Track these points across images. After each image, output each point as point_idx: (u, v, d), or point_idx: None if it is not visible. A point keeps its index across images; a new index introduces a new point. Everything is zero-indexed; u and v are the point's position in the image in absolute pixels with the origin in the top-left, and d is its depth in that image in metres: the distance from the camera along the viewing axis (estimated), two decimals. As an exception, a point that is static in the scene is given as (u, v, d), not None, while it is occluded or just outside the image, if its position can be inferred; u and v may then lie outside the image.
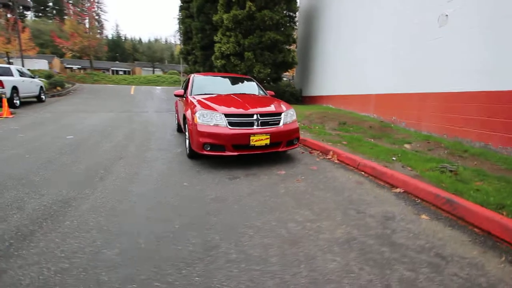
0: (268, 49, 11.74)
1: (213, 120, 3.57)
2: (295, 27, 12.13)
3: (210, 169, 3.56)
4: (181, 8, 18.08)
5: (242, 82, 5.33)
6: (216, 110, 3.63)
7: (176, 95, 4.87)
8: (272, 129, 3.67)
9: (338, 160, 4.09)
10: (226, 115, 3.57)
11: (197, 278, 1.56)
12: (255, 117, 3.62)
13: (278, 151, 3.82)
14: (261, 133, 3.56)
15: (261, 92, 5.12)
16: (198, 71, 17.53)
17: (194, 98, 4.29)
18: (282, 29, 11.55)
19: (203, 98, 4.24)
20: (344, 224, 2.19)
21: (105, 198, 2.65)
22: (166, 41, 58.60)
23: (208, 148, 3.54)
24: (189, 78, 5.52)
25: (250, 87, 5.21)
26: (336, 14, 9.94)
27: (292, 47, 12.75)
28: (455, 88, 4.57)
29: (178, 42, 50.54)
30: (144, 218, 2.24)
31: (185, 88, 5.50)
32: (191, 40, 17.74)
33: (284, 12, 11.42)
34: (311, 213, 2.37)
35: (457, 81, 4.54)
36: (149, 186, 2.97)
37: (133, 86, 30.11)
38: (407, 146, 4.73)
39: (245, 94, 4.79)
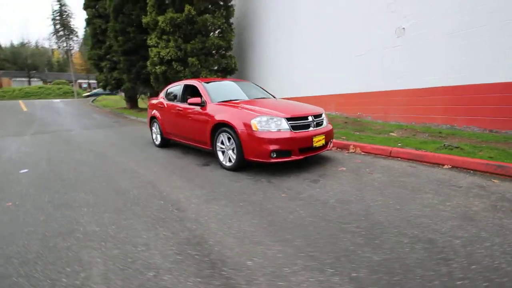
0: (212, 54, 11.51)
1: (275, 125, 3.41)
2: (233, 33, 12.29)
3: (280, 180, 3.40)
4: (86, 7, 15.24)
5: (248, 86, 5.15)
6: (276, 115, 3.48)
7: (191, 103, 4.28)
8: (324, 130, 3.80)
9: (363, 152, 4.59)
10: (288, 119, 3.48)
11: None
12: (310, 119, 3.67)
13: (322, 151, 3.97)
14: (319, 134, 3.65)
15: (270, 94, 5.11)
16: (120, 80, 15.29)
17: (228, 105, 3.95)
18: (224, 35, 11.54)
19: (237, 104, 3.97)
20: (458, 196, 2.57)
21: None
22: (37, 45, 47.75)
23: (274, 155, 3.37)
24: (188, 86, 5.01)
25: (260, 90, 5.11)
26: (283, 18, 10.68)
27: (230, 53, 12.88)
28: (417, 85, 5.84)
29: (55, 46, 42.19)
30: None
31: (183, 96, 4.95)
32: (104, 43, 15.25)
33: (224, 19, 11.43)
34: (433, 195, 2.66)
35: (418, 79, 5.80)
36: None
37: (20, 101, 23.98)
38: (392, 134, 5.70)
39: (265, 98, 4.70)
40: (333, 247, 1.86)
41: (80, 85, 40.73)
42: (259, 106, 3.87)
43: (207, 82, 4.73)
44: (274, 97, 5.05)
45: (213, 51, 11.49)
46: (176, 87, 5.32)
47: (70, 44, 40.87)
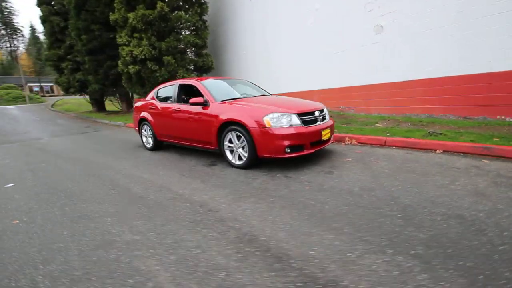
0: (188, 53, 11.21)
1: (286, 121, 3.49)
2: (207, 31, 12.06)
3: (300, 175, 3.50)
4: (40, 3, 13.77)
5: (244, 84, 5.15)
6: (287, 111, 3.55)
7: (193, 103, 4.18)
8: (329, 123, 3.97)
9: (359, 143, 4.87)
10: (298, 115, 3.57)
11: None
12: (317, 113, 3.81)
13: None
14: (326, 128, 3.80)
15: (265, 91, 5.16)
16: (84, 81, 14.18)
17: (233, 104, 3.94)
18: (199, 32, 11.28)
19: (243, 102, 3.99)
20: (462, 176, 2.88)
21: None
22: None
23: (288, 150, 3.45)
24: (184, 86, 4.93)
25: (255, 88, 5.14)
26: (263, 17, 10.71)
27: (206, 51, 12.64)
28: (395, 79, 6.30)
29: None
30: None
31: (179, 96, 4.84)
32: (64, 43, 14.00)
33: (198, 16, 11.16)
34: (441, 177, 2.94)
35: (396, 73, 6.27)
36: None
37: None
38: (378, 125, 6.10)
39: (264, 96, 4.75)
40: (380, 230, 2.00)
41: (31, 89, 36.87)
42: (264, 103, 3.92)
43: (205, 81, 4.64)
44: (270, 94, 5.12)
45: (189, 50, 11.21)
46: (169, 88, 5.13)
47: (14, 44, 36.88)
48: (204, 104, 4.20)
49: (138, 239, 2.10)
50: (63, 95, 37.94)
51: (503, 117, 4.78)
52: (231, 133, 3.84)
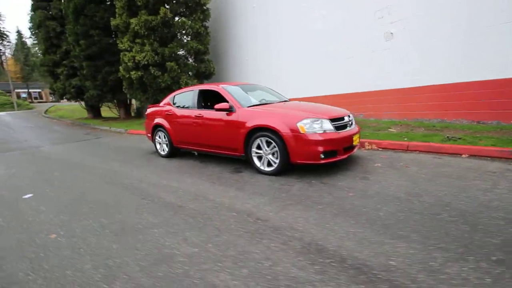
0: (192, 59, 11.13)
1: (319, 127, 3.45)
2: (209, 37, 12.03)
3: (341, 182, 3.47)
4: (35, 8, 13.41)
5: (262, 89, 5.10)
6: (320, 117, 3.53)
7: (219, 109, 4.10)
8: (357, 128, 3.97)
9: (379, 148, 4.89)
10: (331, 120, 3.55)
11: None
12: (346, 119, 3.80)
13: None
14: (356, 133, 3.80)
15: (284, 97, 5.14)
16: (81, 87, 13.82)
17: (262, 110, 3.92)
18: (201, 38, 11.23)
19: (270, 108, 3.97)
20: (501, 180, 2.91)
21: None
22: None
23: (323, 156, 3.41)
24: (204, 92, 4.89)
25: (274, 94, 5.10)
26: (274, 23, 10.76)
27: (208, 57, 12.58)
28: (407, 85, 6.41)
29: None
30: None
31: (199, 103, 4.76)
32: (60, 48, 13.65)
33: (201, 22, 11.13)
34: (480, 181, 2.95)
35: (407, 79, 6.38)
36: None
37: None
38: (391, 130, 6.16)
39: (286, 101, 4.72)
40: (450, 237, 1.97)
41: (18, 95, 35.68)
42: (293, 109, 3.89)
43: (227, 87, 4.58)
44: (288, 99, 5.10)
45: (191, 56, 11.13)
46: (187, 94, 5.04)
47: (0, 50, 35.84)
48: (230, 110, 4.13)
49: (198, 252, 2.00)
50: (52, 101, 36.93)
51: (517, 121, 4.93)
52: (260, 139, 3.78)
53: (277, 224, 2.36)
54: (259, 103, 4.32)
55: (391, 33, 6.49)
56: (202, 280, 1.68)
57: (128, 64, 10.11)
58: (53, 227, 2.56)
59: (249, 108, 4.06)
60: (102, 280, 1.75)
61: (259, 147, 3.85)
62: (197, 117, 4.63)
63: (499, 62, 5.09)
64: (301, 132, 3.42)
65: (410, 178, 3.26)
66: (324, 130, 3.47)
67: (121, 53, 10.46)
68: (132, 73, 10.15)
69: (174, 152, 5.37)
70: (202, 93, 4.85)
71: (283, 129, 3.51)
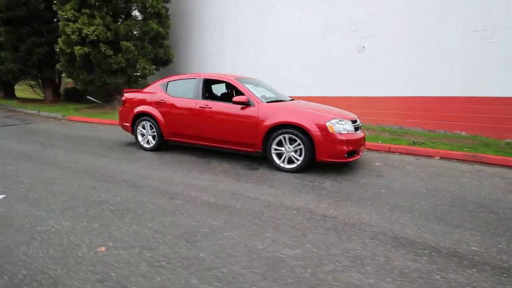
0: (149, 41, 9.99)
1: (342, 128, 3.64)
2: (169, 20, 11.01)
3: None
4: None
5: (263, 85, 4.99)
6: (344, 117, 3.71)
7: (237, 102, 3.86)
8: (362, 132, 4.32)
9: (365, 149, 5.41)
10: (352, 122, 3.77)
11: None
12: (358, 121, 4.10)
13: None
14: (364, 135, 4.13)
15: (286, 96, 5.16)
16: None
17: (284, 107, 3.96)
18: (161, 20, 10.19)
19: (295, 106, 4.06)
20: (480, 178, 3.67)
21: None
22: None
23: (346, 156, 3.61)
24: (211, 81, 4.65)
25: (277, 91, 5.05)
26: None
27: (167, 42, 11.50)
28: (372, 94, 7.27)
29: None
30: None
31: (204, 93, 4.39)
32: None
33: (163, 2, 10.08)
34: (468, 179, 3.64)
35: (372, 89, 7.25)
36: None
37: None
38: (361, 133, 6.90)
39: (293, 100, 4.73)
40: (493, 225, 2.39)
41: None
42: (314, 108, 4.00)
43: (242, 79, 4.35)
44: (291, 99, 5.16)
45: (149, 38, 10.00)
46: (188, 81, 4.56)
47: None
48: (247, 104, 3.94)
49: (303, 253, 1.90)
50: None
51: (459, 131, 6.22)
52: (283, 136, 3.75)
53: (347, 220, 2.43)
54: (275, 99, 4.27)
55: (363, 46, 7.27)
56: (339, 281, 1.63)
57: (72, 37, 8.43)
58: (94, 239, 2.00)
59: (269, 104, 3.98)
60: (226, 294, 1.50)
61: (278, 144, 3.83)
62: (202, 108, 4.25)
63: (457, 82, 6.27)
64: (330, 131, 3.55)
65: (415, 176, 3.77)
66: (348, 131, 3.69)
67: (61, 23, 8.65)
68: (77, 48, 8.51)
69: (162, 146, 4.80)
70: (207, 83, 4.48)
71: (312, 128, 3.58)
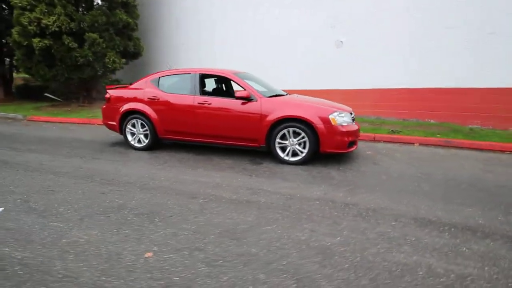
0: (117, 33, 9.29)
1: (342, 120, 3.83)
2: (137, 10, 10.31)
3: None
4: None
5: (256, 80, 4.97)
6: (343, 110, 3.90)
7: (239, 97, 3.83)
8: (356, 122, 4.58)
9: (351, 138, 5.74)
10: (350, 114, 3.97)
11: None
12: (353, 114, 4.32)
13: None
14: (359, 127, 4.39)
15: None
16: None
17: (286, 101, 4.04)
18: (129, 10, 9.52)
19: (297, 100, 4.17)
20: (459, 160, 4.13)
21: None
22: None
23: (347, 146, 3.81)
24: (206, 76, 4.56)
25: (271, 84, 5.06)
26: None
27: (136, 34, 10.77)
28: (350, 87, 7.66)
29: None
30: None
31: (201, 88, 4.28)
32: None
33: (130, -9, 9.40)
34: (450, 162, 4.10)
35: (350, 82, 7.64)
36: None
37: None
38: (343, 124, 7.27)
39: (289, 94, 4.80)
40: (486, 201, 2.75)
41: None
42: (314, 102, 4.14)
43: (240, 74, 4.30)
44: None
45: (120, 30, 9.31)
46: (182, 77, 4.39)
47: None
48: (249, 99, 3.94)
49: (344, 240, 2.02)
50: None
51: (429, 119, 6.87)
52: (287, 129, 3.83)
53: (367, 206, 2.61)
54: (275, 94, 4.31)
55: (341, 41, 7.59)
56: (389, 262, 1.77)
57: (29, 28, 7.51)
58: (136, 244, 1.90)
59: (271, 99, 4.02)
60: None
61: (282, 138, 3.90)
62: (201, 104, 4.14)
63: (429, 73, 6.83)
64: (333, 123, 3.72)
65: (404, 162, 4.13)
66: (348, 123, 3.90)
67: (16, 12, 7.64)
68: (35, 40, 7.61)
69: (155, 144, 4.60)
70: (203, 78, 4.36)
71: (316, 121, 3.71)
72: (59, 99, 10.94)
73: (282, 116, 3.81)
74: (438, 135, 5.65)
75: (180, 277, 1.58)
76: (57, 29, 7.71)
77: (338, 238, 2.05)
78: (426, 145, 5.22)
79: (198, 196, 2.79)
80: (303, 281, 1.57)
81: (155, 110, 4.40)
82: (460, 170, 3.76)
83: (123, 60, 9.30)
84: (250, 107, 3.96)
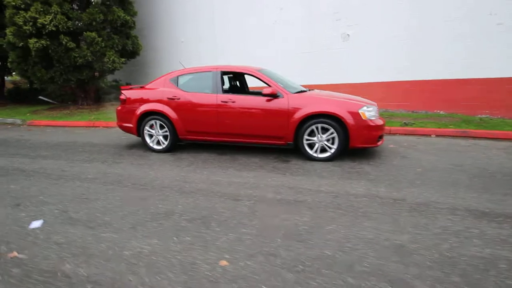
0: (114, 32, 8.98)
1: (370, 114, 3.80)
2: (134, 7, 9.98)
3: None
4: None
5: (275, 76, 4.87)
6: (370, 104, 3.87)
7: (267, 94, 3.74)
8: (377, 116, 4.56)
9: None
10: (376, 107, 3.95)
11: None
12: (377, 108, 4.30)
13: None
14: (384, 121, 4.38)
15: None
16: None
17: (313, 97, 4.04)
18: (127, 8, 9.21)
19: (322, 95, 4.14)
20: (482, 150, 4.18)
21: None
22: None
23: (377, 140, 3.80)
24: (227, 73, 4.59)
25: (289, 80, 4.98)
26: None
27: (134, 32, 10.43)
28: (359, 80, 7.66)
29: None
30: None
31: (223, 86, 4.17)
32: None
33: (127, -13, 9.08)
34: (475, 153, 4.13)
35: (359, 75, 7.64)
36: None
37: None
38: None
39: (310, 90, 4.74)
40: (527, 189, 2.79)
41: None
42: (340, 97, 4.11)
43: (263, 70, 4.20)
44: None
45: (118, 28, 9.00)
46: (203, 75, 4.26)
47: None
48: (275, 96, 3.86)
49: (412, 237, 1.99)
50: None
51: (438, 111, 6.95)
52: (316, 126, 3.78)
53: (417, 201, 2.59)
54: (299, 90, 4.24)
55: (348, 34, 7.56)
56: (465, 256, 1.75)
57: (25, 28, 7.15)
58: (206, 254, 1.81)
59: (298, 95, 3.95)
60: None
61: (310, 134, 3.85)
62: (224, 102, 4.04)
63: (436, 66, 6.90)
64: (363, 118, 3.69)
65: (431, 154, 4.14)
66: (375, 117, 3.88)
67: (8, 11, 7.26)
68: (32, 41, 7.26)
69: (175, 146, 4.47)
70: (224, 76, 4.24)
71: (346, 116, 3.67)
72: (54, 102, 10.56)
73: (311, 112, 3.75)
74: (451, 126, 5.71)
75: (268, 286, 1.51)
76: (54, 28, 7.38)
77: (406, 235, 2.03)
78: (444, 136, 5.28)
79: (242, 198, 2.72)
80: (396, 283, 1.53)
81: (175, 110, 4.26)
82: (487, 160, 3.80)
83: (123, 60, 9.02)
84: (277, 104, 3.88)
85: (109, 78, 11.01)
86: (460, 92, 6.77)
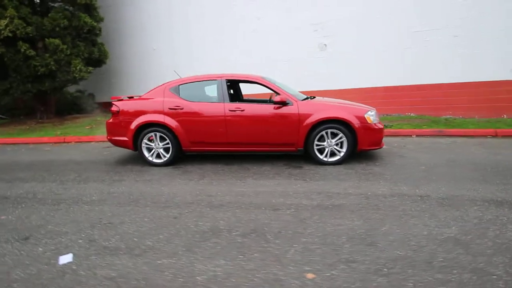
0: (80, 39, 8.24)
1: (374, 118, 4.04)
2: (99, 13, 9.27)
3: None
4: None
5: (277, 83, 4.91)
6: (373, 109, 4.09)
7: (277, 102, 3.74)
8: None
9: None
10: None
11: None
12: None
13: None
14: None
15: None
16: None
17: (321, 103, 4.16)
18: (92, 14, 8.52)
19: (329, 102, 4.31)
20: (468, 147, 4.70)
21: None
22: None
23: (380, 142, 4.03)
24: (233, 81, 4.58)
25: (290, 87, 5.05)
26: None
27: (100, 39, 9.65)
28: (337, 87, 8.09)
29: None
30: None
31: (229, 95, 4.10)
32: None
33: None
34: (460, 150, 4.60)
35: (337, 83, 8.07)
36: None
37: None
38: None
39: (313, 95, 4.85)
40: (519, 178, 3.20)
41: None
42: (345, 103, 4.29)
43: (269, 78, 4.19)
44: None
45: (84, 35, 8.27)
46: (207, 83, 4.11)
47: None
48: (285, 103, 3.88)
49: (460, 230, 2.14)
50: None
51: (409, 113, 7.66)
52: (325, 131, 3.88)
53: (439, 195, 2.80)
54: (305, 97, 4.32)
55: (325, 44, 7.98)
56: (516, 242, 1.94)
57: (-27, 32, 6.17)
58: (288, 270, 1.70)
59: (306, 101, 4.03)
60: None
61: (319, 140, 3.95)
62: (233, 112, 3.93)
63: (432, 71, 7.55)
64: (369, 122, 3.90)
65: (422, 152, 4.54)
66: (378, 121, 4.13)
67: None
68: (-17, 48, 6.28)
69: (176, 159, 4.21)
70: (228, 84, 4.14)
71: (354, 120, 3.84)
72: (5, 117, 9.23)
73: (322, 118, 3.86)
74: (425, 126, 6.34)
75: (368, 293, 1.50)
76: (10, 34, 6.51)
77: (453, 228, 2.18)
78: (422, 136, 5.83)
79: (280, 207, 2.66)
80: (478, 272, 1.63)
81: (178, 121, 4.03)
82: (472, 155, 4.27)
83: (90, 68, 8.30)
84: (287, 111, 3.91)
85: (72, 88, 10.02)
86: (427, 96, 7.56)
